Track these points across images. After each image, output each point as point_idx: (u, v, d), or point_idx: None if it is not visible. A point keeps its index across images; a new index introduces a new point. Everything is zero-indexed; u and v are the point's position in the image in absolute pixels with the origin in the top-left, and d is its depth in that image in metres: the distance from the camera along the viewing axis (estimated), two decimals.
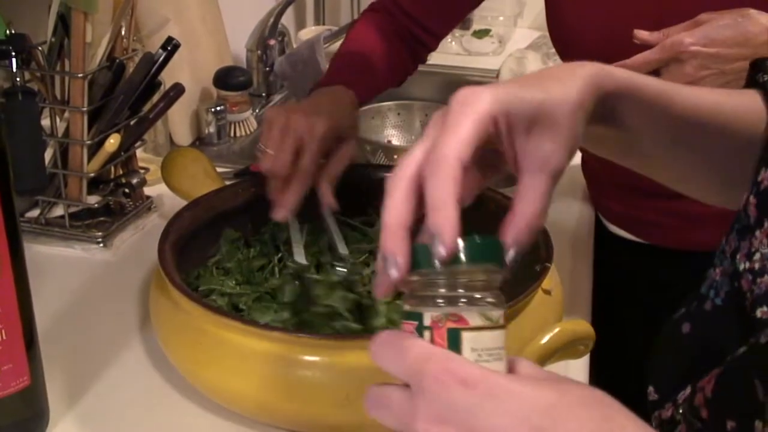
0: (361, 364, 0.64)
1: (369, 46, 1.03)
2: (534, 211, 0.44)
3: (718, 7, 0.82)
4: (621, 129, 0.51)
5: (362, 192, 0.87)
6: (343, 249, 0.85)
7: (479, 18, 1.87)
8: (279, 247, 0.88)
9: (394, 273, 0.40)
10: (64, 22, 0.93)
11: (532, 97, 0.44)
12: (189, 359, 0.70)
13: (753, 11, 0.80)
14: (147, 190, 1.07)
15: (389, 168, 1.03)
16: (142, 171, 1.05)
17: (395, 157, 1.30)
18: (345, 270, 0.83)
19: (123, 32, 0.97)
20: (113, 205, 1.03)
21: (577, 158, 1.11)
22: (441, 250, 0.39)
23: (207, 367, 0.69)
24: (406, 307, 0.41)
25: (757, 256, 0.42)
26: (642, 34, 0.85)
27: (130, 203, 1.04)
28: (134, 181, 1.02)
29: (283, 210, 0.84)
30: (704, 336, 0.43)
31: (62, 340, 0.81)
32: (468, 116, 0.42)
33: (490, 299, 0.40)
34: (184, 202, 0.86)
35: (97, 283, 0.92)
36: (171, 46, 0.98)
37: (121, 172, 1.03)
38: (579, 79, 0.46)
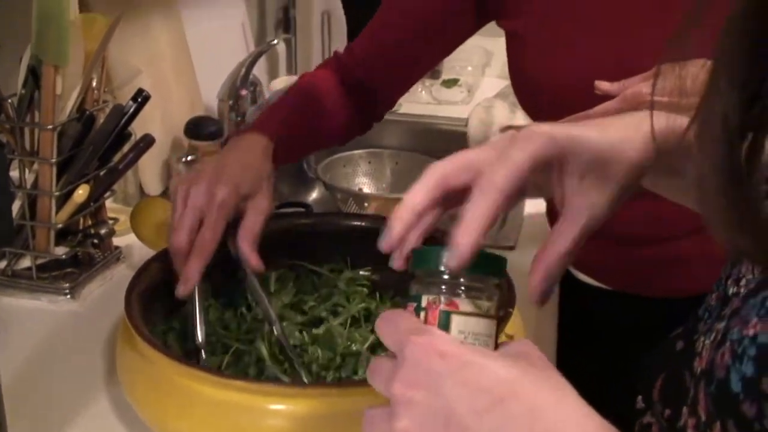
0: (328, 411, 0.65)
1: (308, 98, 1.01)
2: (563, 250, 0.49)
3: None
4: (682, 178, 0.54)
5: (330, 239, 0.88)
6: (273, 314, 0.81)
7: (448, 68, 1.90)
8: (247, 297, 0.88)
9: (381, 242, 0.47)
10: (34, 75, 0.94)
11: (595, 146, 0.49)
12: (156, 411, 0.70)
13: (711, 62, 0.83)
14: (116, 241, 1.07)
15: (358, 216, 1.04)
16: (111, 221, 1.05)
17: (366, 204, 1.31)
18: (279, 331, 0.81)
19: (94, 84, 0.98)
20: (81, 256, 1.03)
21: (543, 206, 1.12)
22: (452, 261, 0.45)
23: (174, 418, 0.68)
24: (411, 291, 0.47)
25: (743, 281, 0.44)
26: (603, 85, 0.88)
27: (99, 254, 1.04)
28: (103, 231, 1.02)
29: (184, 286, 0.80)
30: (693, 353, 0.45)
31: (28, 393, 0.80)
32: (526, 153, 0.47)
33: (483, 292, 0.45)
34: (153, 252, 0.87)
35: (63, 335, 0.92)
36: (141, 98, 0.99)
37: (90, 222, 1.03)
38: (643, 137, 0.50)
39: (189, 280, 0.80)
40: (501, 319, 0.47)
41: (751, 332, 0.38)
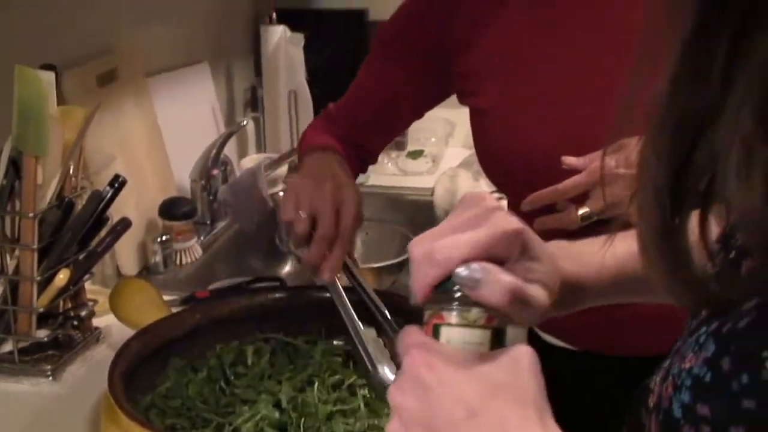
0: None
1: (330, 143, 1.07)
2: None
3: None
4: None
5: (304, 312, 0.92)
6: (356, 321, 0.87)
7: (413, 139, 1.97)
8: (225, 371, 0.91)
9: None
10: (15, 166, 0.98)
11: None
12: None
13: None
14: (95, 321, 1.09)
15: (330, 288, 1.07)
16: (90, 303, 1.07)
17: (337, 276, 1.35)
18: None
19: (72, 171, 1.02)
20: (62, 338, 1.05)
21: None
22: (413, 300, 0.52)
23: None
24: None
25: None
26: (569, 160, 0.90)
27: (79, 335, 1.06)
28: (83, 313, 1.05)
29: (331, 271, 0.88)
30: (649, 392, 0.50)
31: None
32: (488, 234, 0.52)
33: (470, 307, 0.51)
34: (132, 332, 0.89)
35: (46, 417, 0.93)
36: (118, 183, 1.03)
37: (70, 305, 1.06)
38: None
39: (337, 266, 0.88)
40: (497, 329, 0.51)
41: (687, 365, 0.43)
